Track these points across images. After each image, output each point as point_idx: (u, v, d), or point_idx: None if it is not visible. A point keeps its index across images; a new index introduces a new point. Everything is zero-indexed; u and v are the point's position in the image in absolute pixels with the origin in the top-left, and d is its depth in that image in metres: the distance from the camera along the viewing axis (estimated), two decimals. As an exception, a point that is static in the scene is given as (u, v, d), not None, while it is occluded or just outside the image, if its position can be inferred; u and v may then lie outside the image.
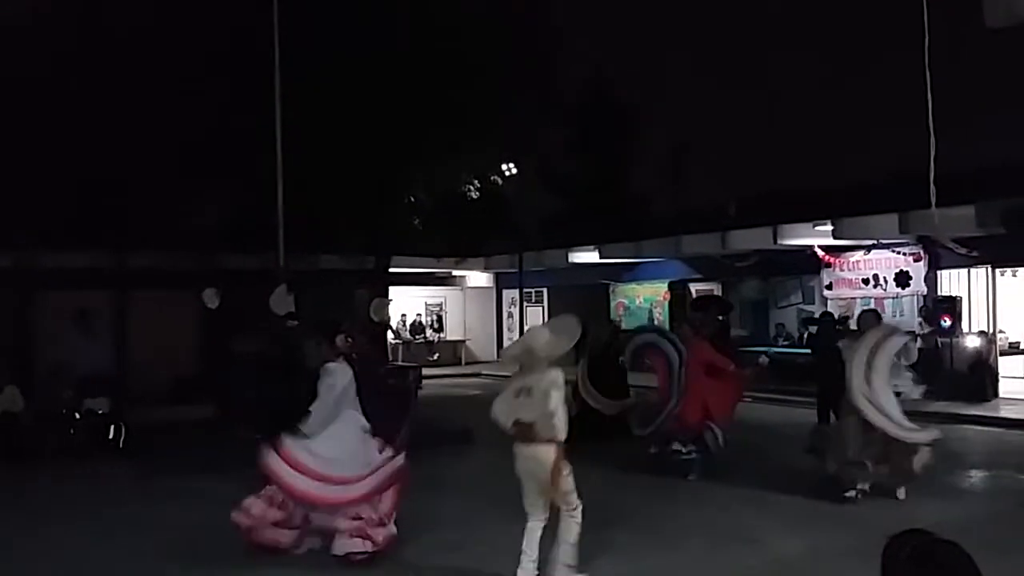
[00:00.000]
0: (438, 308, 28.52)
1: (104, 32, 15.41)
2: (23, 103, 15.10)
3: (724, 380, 10.24)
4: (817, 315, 15.50)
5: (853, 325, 13.02)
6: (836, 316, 15.10)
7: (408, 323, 27.34)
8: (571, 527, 6.14)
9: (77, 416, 12.48)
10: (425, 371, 23.32)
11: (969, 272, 17.19)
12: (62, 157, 15.48)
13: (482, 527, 7.84)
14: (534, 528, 6.20)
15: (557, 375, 6.09)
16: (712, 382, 10.09)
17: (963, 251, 16.47)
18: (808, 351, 13.31)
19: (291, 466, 6.77)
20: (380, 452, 7.17)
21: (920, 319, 17.35)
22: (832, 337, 12.18)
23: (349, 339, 8.08)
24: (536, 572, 6.16)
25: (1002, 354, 17.13)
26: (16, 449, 11.76)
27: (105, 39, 15.38)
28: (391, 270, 20.81)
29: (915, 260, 17.76)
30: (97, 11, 15.55)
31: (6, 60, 14.70)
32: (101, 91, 15.29)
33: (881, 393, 8.54)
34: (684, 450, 9.94)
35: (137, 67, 15.35)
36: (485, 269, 27.61)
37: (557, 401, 5.99)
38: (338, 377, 7.06)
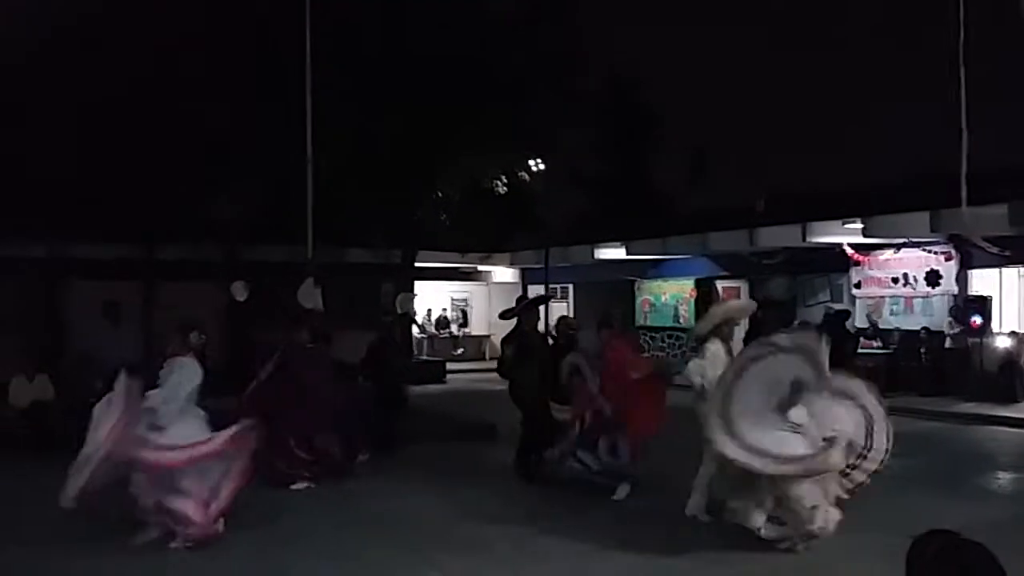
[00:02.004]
0: (463, 303, 28.60)
1: (134, 24, 15.56)
2: (53, 96, 15.29)
3: (644, 386, 8.80)
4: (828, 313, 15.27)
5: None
6: (834, 311, 14.90)
7: (433, 318, 27.44)
8: None
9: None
10: (449, 366, 23.46)
11: (1000, 272, 17.01)
12: (92, 149, 15.66)
13: (504, 523, 7.86)
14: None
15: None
16: (630, 387, 8.70)
17: (995, 250, 16.26)
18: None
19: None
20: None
21: (950, 319, 17.18)
22: (840, 335, 12.14)
23: (203, 336, 8.24)
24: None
25: (1033, 355, 16.93)
26: (47, 439, 11.91)
27: (135, 31, 15.53)
28: (417, 264, 20.90)
29: (946, 259, 17.58)
30: (128, 3, 15.70)
31: (36, 53, 14.88)
32: (131, 83, 15.45)
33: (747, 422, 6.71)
34: (591, 464, 8.84)
35: (168, 59, 15.49)
36: (511, 264, 27.61)
37: None
38: (186, 374, 7.40)
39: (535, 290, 27.71)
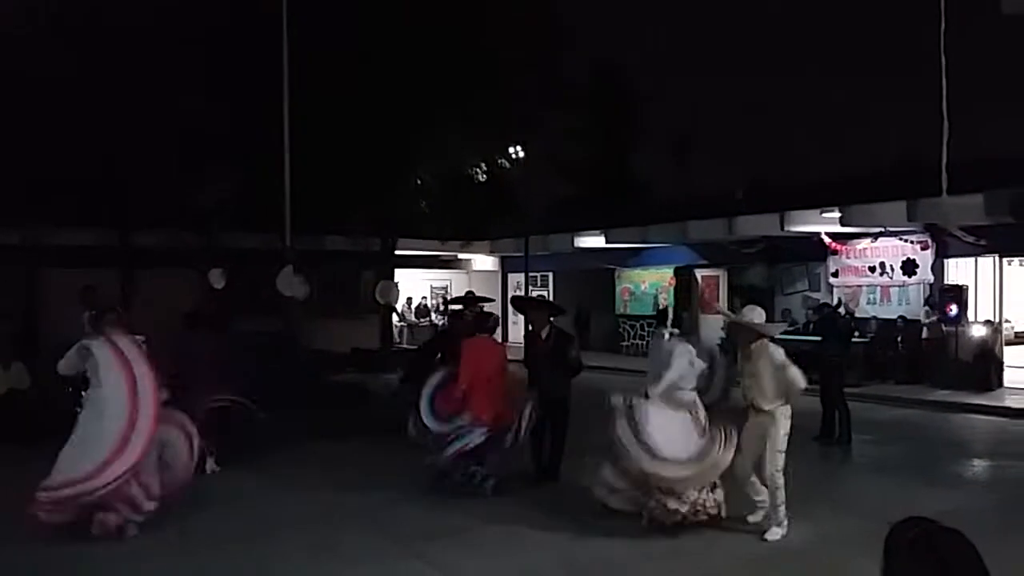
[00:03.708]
0: (443, 291, 28.53)
1: (111, 12, 15.40)
2: (32, 84, 15.12)
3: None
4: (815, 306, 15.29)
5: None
6: (826, 305, 14.94)
7: (413, 306, 27.37)
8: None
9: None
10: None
11: (976, 261, 17.14)
12: (70, 137, 15.50)
13: (490, 512, 7.85)
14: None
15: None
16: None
17: (970, 239, 16.41)
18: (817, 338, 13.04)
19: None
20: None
21: (926, 307, 17.31)
22: (834, 325, 12.15)
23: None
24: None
25: (1008, 343, 17.10)
26: (23, 427, 11.79)
27: (112, 19, 15.37)
28: (397, 252, 20.83)
29: (922, 248, 17.71)
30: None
31: (15, 42, 14.70)
32: (109, 71, 15.29)
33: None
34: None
35: (144, 47, 15.34)
36: (491, 253, 27.60)
37: None
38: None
39: (515, 278, 27.82)
